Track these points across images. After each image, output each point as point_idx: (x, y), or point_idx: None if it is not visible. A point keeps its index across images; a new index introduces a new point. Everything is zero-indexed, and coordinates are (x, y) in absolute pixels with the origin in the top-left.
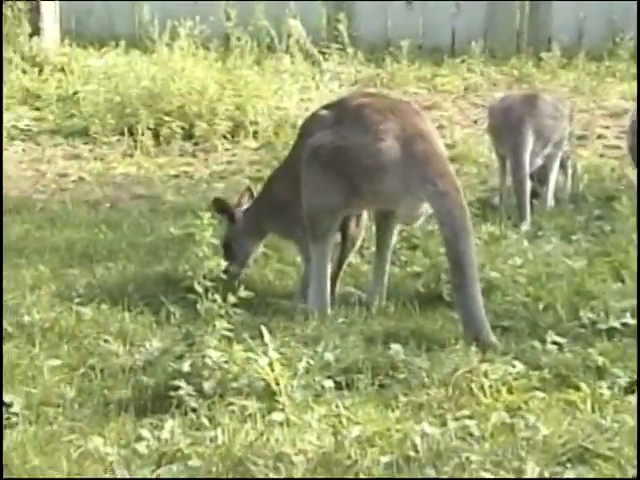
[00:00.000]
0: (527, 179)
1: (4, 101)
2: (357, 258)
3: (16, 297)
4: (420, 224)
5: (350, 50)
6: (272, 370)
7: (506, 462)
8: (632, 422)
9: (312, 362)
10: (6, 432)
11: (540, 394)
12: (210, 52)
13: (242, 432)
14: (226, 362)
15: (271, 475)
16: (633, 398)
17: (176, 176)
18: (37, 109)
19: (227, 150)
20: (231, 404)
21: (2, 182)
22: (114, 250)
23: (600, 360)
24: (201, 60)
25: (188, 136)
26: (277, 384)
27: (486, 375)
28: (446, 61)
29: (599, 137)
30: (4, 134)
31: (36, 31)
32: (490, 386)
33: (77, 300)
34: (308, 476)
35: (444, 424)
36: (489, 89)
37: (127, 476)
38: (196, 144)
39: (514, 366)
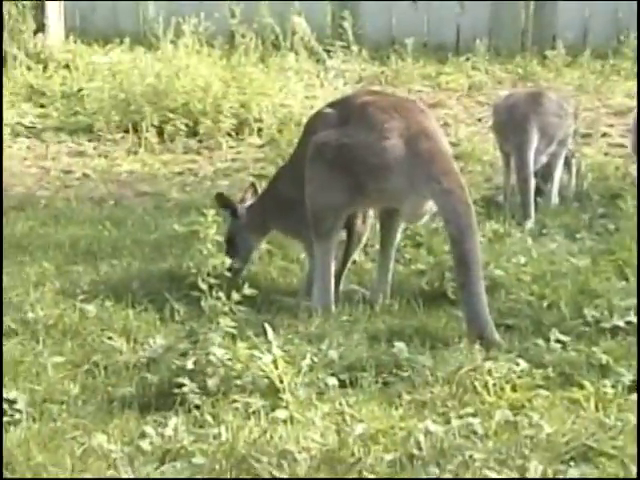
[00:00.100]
0: (532, 177)
1: (9, 98)
2: (361, 256)
3: (20, 294)
4: (424, 222)
5: (355, 48)
6: (276, 367)
7: (510, 460)
8: (636, 420)
9: (316, 360)
10: (10, 429)
11: (544, 392)
12: (215, 49)
13: (246, 429)
14: (230, 359)
15: (274, 472)
16: (636, 396)
17: (180, 173)
18: (41, 106)
19: (231, 147)
20: (235, 401)
21: (2, 180)
22: (118, 247)
23: (604, 358)
24: (205, 57)
25: (192, 133)
26: (281, 381)
27: (490, 373)
28: (451, 59)
29: (604, 135)
30: (8, 131)
31: (41, 28)
32: (494, 384)
33: (81, 297)
34: (311, 474)
35: (448, 422)
36: (494, 87)
37: (130, 473)
38: (200, 141)
39: (518, 364)
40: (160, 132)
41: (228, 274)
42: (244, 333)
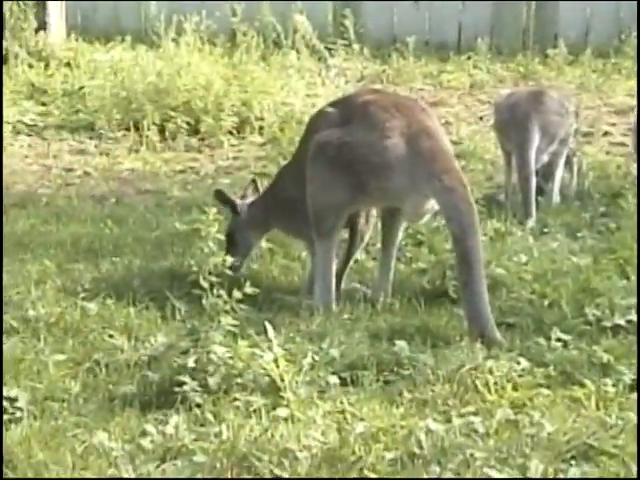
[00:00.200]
0: (533, 176)
1: (10, 96)
2: (362, 254)
3: (21, 292)
4: (426, 221)
5: (356, 46)
6: (277, 366)
7: (510, 459)
8: (636, 419)
9: (317, 358)
10: (11, 427)
11: (545, 391)
12: (216, 48)
13: (247, 428)
14: (231, 358)
15: (275, 471)
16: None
17: (182, 171)
18: (43, 104)
19: (233, 146)
20: (236, 400)
21: (2, 178)
22: (120, 245)
23: (605, 357)
24: (207, 56)
25: (194, 131)
26: (282, 380)
27: (491, 372)
28: (452, 58)
29: (605, 134)
30: (10, 129)
31: (42, 26)
32: (495, 383)
33: (82, 295)
34: (312, 472)
35: (449, 421)
36: (495, 86)
37: (131, 471)
38: (202, 139)
39: (519, 363)
40: (161, 130)
41: (229, 272)
42: (245, 331)
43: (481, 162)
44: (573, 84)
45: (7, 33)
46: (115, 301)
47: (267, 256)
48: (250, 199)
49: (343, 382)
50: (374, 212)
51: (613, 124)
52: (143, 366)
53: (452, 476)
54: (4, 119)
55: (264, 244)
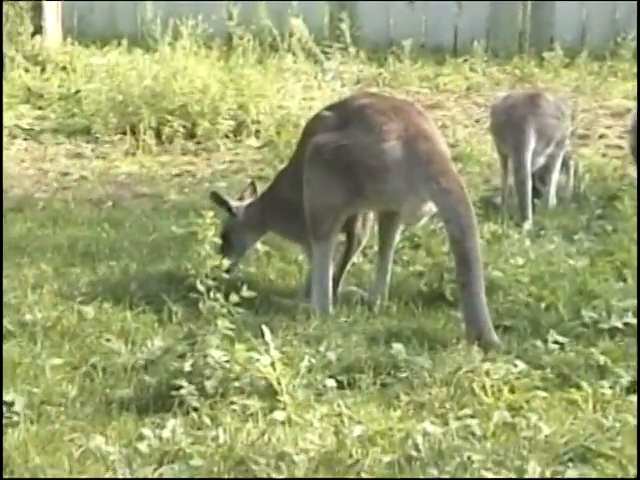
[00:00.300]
0: (529, 178)
1: (6, 100)
2: (360, 257)
3: (18, 296)
4: (423, 223)
5: (352, 49)
6: (274, 369)
7: (508, 461)
8: (634, 421)
9: (314, 361)
10: (8, 431)
11: (542, 393)
12: (212, 51)
13: (244, 431)
14: (228, 361)
15: (273, 474)
16: (635, 397)
17: (178, 175)
18: (39, 108)
19: (229, 149)
20: (233, 403)
21: (2, 182)
22: (116, 249)
23: (602, 359)
24: (203, 59)
25: (190, 135)
26: (279, 383)
27: (488, 374)
28: (448, 60)
29: (601, 137)
30: (6, 133)
31: (38, 29)
32: (492, 385)
33: (79, 299)
34: (310, 475)
35: (446, 423)
36: (491, 88)
37: (128, 475)
38: (198, 143)
39: (516, 365)
40: (158, 134)
41: (226, 276)
42: (242, 335)
43: (478, 165)
44: (569, 87)
45: (3, 37)
46: (112, 305)
47: (264, 259)
48: (247, 201)
49: (340, 385)
50: (371, 216)
51: (609, 127)
52: (140, 370)
53: (449, 478)
54: None
55: (261, 247)
